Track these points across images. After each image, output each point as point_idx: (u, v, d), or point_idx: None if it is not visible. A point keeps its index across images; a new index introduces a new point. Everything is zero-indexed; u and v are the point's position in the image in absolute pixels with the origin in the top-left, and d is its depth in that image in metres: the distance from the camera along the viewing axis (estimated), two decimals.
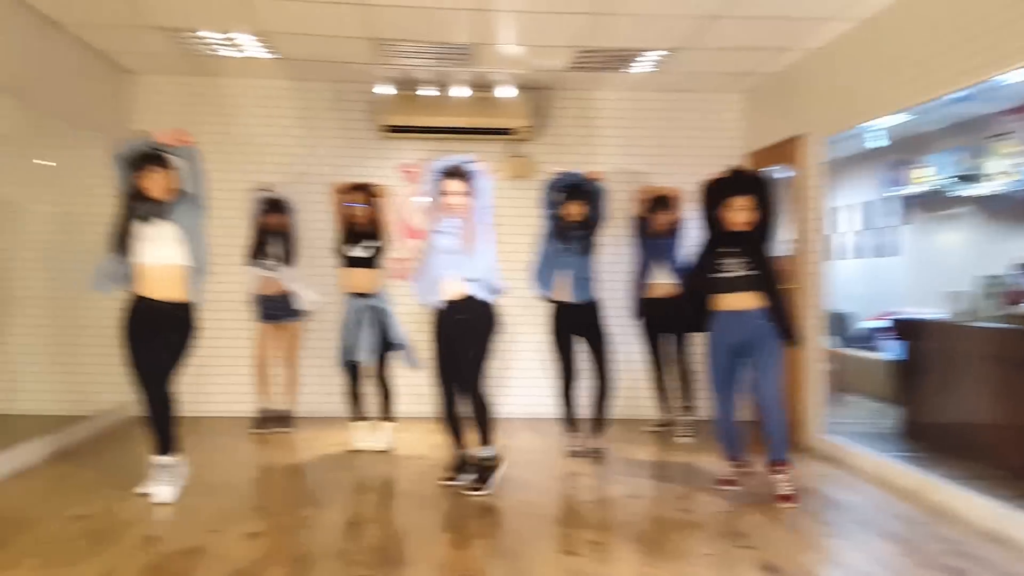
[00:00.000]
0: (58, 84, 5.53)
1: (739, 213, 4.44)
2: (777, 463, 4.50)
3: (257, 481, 4.70)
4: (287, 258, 6.01)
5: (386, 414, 5.59)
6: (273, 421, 6.14)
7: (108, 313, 6.09)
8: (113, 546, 3.52)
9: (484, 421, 4.56)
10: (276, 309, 6.02)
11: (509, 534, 3.82)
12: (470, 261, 4.45)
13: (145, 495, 4.26)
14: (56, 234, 5.76)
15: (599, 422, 5.48)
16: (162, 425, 4.25)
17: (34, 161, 5.53)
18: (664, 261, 5.99)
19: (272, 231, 6.01)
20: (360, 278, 5.42)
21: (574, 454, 5.47)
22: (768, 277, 4.46)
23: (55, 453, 5.21)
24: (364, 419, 5.59)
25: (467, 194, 4.47)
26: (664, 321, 6.05)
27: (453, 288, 4.45)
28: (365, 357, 5.32)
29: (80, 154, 5.99)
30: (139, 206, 4.19)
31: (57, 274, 5.68)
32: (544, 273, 5.43)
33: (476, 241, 4.47)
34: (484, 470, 4.54)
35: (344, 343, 5.38)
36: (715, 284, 4.51)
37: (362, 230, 5.47)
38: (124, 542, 3.58)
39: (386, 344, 5.42)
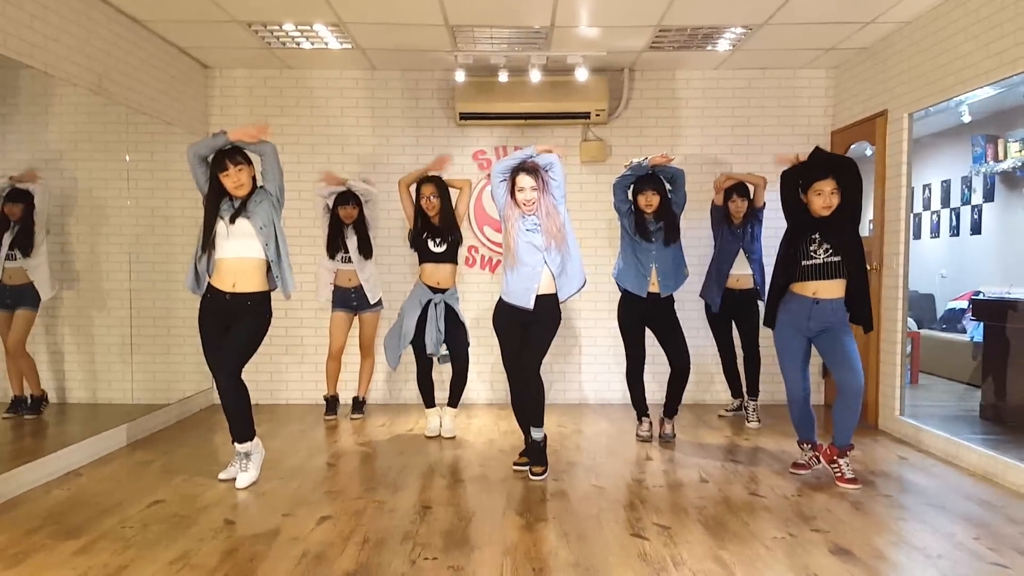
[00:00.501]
0: (140, 81, 5.74)
1: (824, 197, 4.31)
2: (845, 448, 4.44)
3: (330, 467, 4.81)
4: (361, 250, 6.07)
5: (454, 402, 5.63)
6: (346, 408, 6.28)
7: (188, 305, 6.32)
8: (191, 530, 3.65)
9: (542, 405, 4.59)
10: (351, 300, 6.12)
11: (578, 518, 3.83)
12: (560, 261, 4.46)
13: (225, 481, 4.42)
14: (139, 228, 5.97)
15: (672, 408, 5.44)
16: (240, 413, 4.38)
17: (126, 159, 5.74)
18: (743, 251, 5.90)
19: (346, 223, 6.08)
20: (436, 272, 5.43)
21: (643, 439, 5.46)
22: (853, 263, 4.33)
23: (135, 441, 5.42)
24: (434, 406, 5.66)
25: (538, 189, 4.42)
26: (741, 312, 5.97)
27: (543, 288, 4.48)
28: (433, 350, 5.36)
29: (163, 149, 6.20)
30: (222, 204, 4.30)
31: (139, 267, 5.89)
32: (627, 272, 5.29)
33: (563, 237, 4.45)
34: (542, 452, 4.61)
35: (405, 332, 5.35)
36: (799, 272, 4.41)
37: (435, 224, 5.44)
38: (201, 526, 3.71)
39: (462, 337, 5.47)
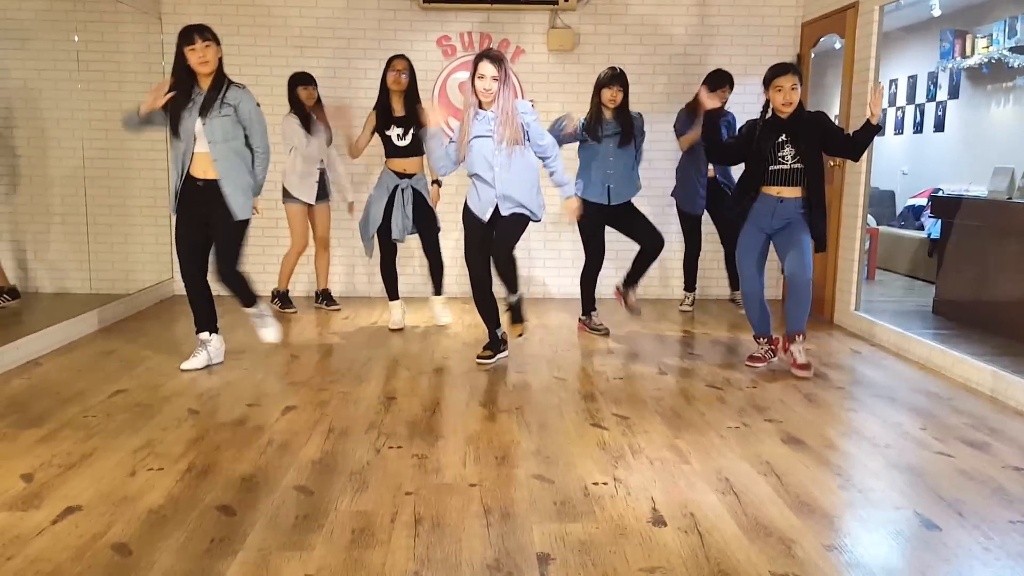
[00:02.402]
0: None
1: (784, 93, 4.37)
2: (796, 333, 4.58)
3: (293, 358, 4.82)
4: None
5: (439, 289, 5.65)
6: (313, 299, 6.29)
7: (145, 193, 6.18)
8: (154, 419, 3.67)
9: (514, 276, 4.60)
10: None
11: (540, 408, 3.90)
12: (510, 181, 4.39)
13: (187, 371, 4.42)
14: (90, 113, 5.76)
15: (635, 278, 5.45)
16: (243, 288, 4.45)
17: (75, 39, 5.47)
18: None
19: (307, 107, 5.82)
20: (402, 164, 5.33)
21: (598, 330, 5.54)
22: (814, 173, 4.43)
23: (96, 331, 5.38)
24: (398, 299, 5.64)
25: (499, 80, 4.28)
26: (720, 206, 6.00)
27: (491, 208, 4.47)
28: (399, 235, 5.31)
29: (113, 30, 5.92)
30: (192, 93, 4.17)
31: (92, 153, 5.71)
32: (584, 183, 5.22)
33: (516, 143, 4.34)
34: (517, 309, 4.71)
35: (373, 218, 5.31)
36: (766, 176, 4.48)
37: (398, 115, 5.28)
38: (165, 415, 3.72)
39: (431, 223, 5.41)
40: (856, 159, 4.59)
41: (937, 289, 6.06)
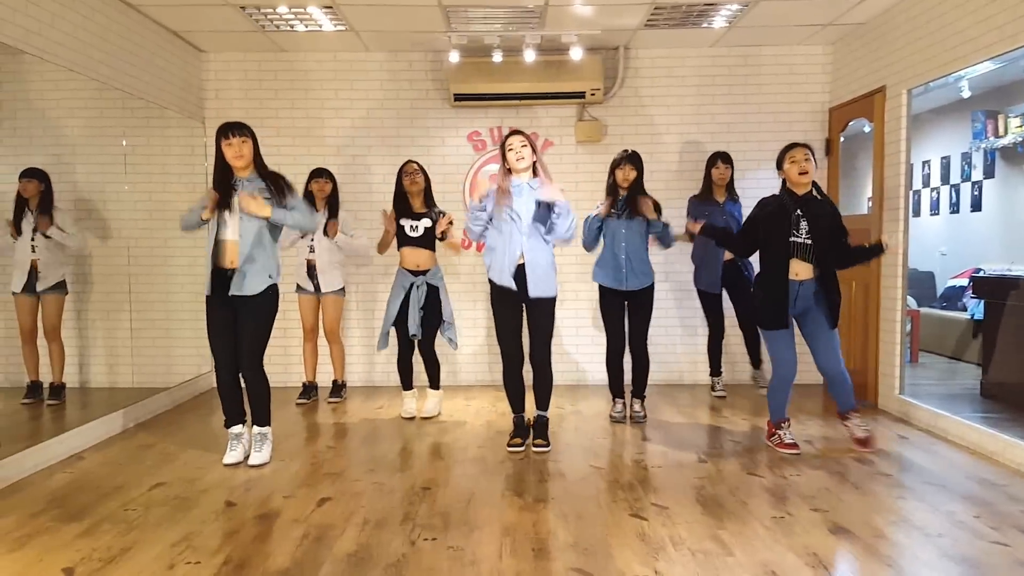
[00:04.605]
0: (136, 66, 5.71)
1: (798, 164, 4.45)
2: (848, 412, 4.63)
3: (329, 449, 4.82)
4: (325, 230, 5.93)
5: (433, 384, 5.71)
6: (315, 391, 6.36)
7: (186, 288, 6.33)
8: (192, 512, 3.67)
9: (549, 387, 4.77)
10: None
11: (576, 498, 3.84)
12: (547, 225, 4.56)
13: (228, 465, 4.45)
14: (136, 213, 5.96)
15: (638, 388, 5.54)
16: (260, 400, 4.53)
17: (123, 143, 5.72)
18: (728, 222, 5.91)
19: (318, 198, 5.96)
20: (414, 255, 5.44)
21: (615, 420, 5.52)
22: (824, 248, 4.45)
23: (136, 425, 5.45)
24: (411, 389, 5.71)
25: (528, 146, 4.57)
26: (739, 285, 6.02)
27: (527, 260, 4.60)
28: (415, 331, 5.40)
29: (159, 134, 6.18)
30: (231, 182, 4.36)
31: (138, 252, 5.88)
32: (603, 268, 5.33)
33: (552, 189, 4.51)
34: (545, 428, 4.81)
35: (388, 314, 5.45)
36: (787, 247, 4.50)
37: (413, 209, 5.46)
38: (203, 508, 3.72)
39: (435, 320, 5.50)
40: (839, 268, 4.54)
41: (985, 371, 5.92)
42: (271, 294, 4.42)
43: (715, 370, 6.38)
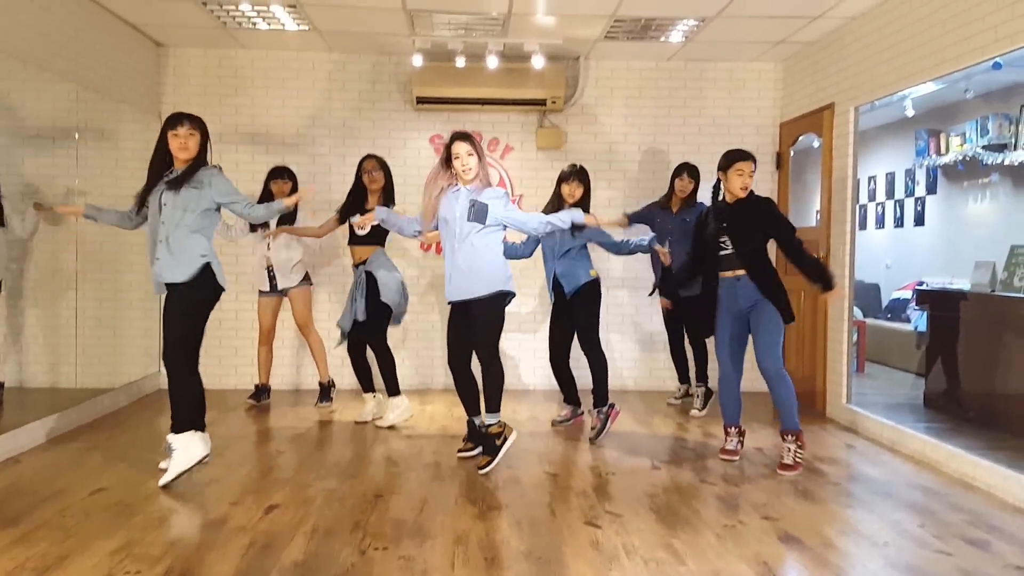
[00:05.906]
0: (91, 58, 5.56)
1: (743, 177, 4.46)
2: (786, 431, 4.55)
3: (279, 454, 4.73)
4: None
5: (390, 389, 5.40)
6: (267, 393, 6.24)
7: (134, 287, 6.17)
8: (134, 519, 3.56)
9: (490, 388, 4.48)
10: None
11: (531, 506, 3.81)
12: (477, 264, 4.35)
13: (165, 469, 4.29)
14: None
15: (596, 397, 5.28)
16: (175, 401, 4.17)
17: (75, 137, 5.54)
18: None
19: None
20: (360, 252, 5.37)
21: (554, 424, 5.54)
22: (748, 253, 4.47)
23: (79, 427, 5.28)
24: (372, 391, 5.58)
25: (475, 155, 4.35)
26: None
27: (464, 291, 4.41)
28: (346, 324, 5.30)
29: (113, 129, 6.01)
30: (163, 175, 4.14)
31: (86, 247, 5.71)
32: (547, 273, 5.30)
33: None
34: (490, 439, 4.46)
35: (344, 311, 5.41)
36: (718, 261, 4.57)
37: (371, 205, 5.28)
38: (146, 515, 3.61)
39: (381, 308, 5.29)
40: (790, 260, 4.56)
41: (927, 382, 6.04)
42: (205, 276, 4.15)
43: (682, 377, 6.37)
